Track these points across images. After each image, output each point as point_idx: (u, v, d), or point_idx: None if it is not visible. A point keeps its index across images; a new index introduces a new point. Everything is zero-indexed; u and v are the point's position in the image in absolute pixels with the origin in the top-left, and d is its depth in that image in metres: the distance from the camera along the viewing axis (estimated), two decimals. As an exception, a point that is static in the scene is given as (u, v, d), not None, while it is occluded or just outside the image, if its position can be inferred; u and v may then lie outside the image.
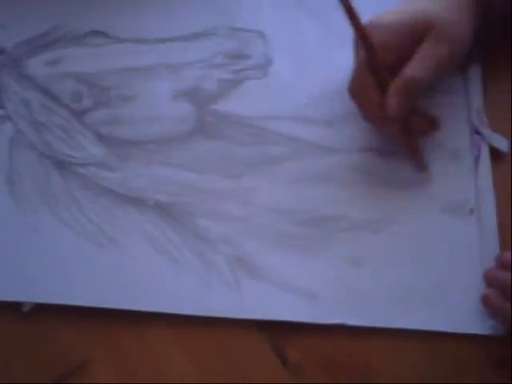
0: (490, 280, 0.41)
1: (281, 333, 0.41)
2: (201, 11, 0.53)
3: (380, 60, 0.43)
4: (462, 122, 0.47)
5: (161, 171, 0.47)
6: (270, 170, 0.46)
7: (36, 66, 0.52)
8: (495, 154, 0.46)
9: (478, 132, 0.46)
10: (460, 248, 0.43)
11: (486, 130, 0.46)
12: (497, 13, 0.47)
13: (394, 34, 0.44)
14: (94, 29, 0.53)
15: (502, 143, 0.46)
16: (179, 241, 0.44)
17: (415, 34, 0.44)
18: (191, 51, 0.51)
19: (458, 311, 0.41)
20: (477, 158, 0.46)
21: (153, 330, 0.41)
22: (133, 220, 0.45)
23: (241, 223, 0.44)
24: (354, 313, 0.41)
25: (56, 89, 0.50)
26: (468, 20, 0.45)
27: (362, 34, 0.43)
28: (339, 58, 0.49)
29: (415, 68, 0.43)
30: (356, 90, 0.45)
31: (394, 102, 0.43)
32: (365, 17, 0.43)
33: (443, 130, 0.46)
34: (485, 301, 0.40)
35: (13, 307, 0.42)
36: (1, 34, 0.53)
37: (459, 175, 0.45)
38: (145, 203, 0.45)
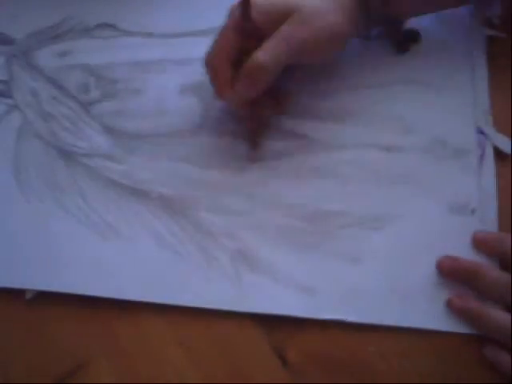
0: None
1: (281, 333, 0.41)
2: (210, 7, 0.54)
3: (253, 25, 0.43)
4: (467, 122, 0.47)
5: (165, 164, 0.47)
6: (273, 165, 0.46)
7: (45, 57, 0.52)
8: (499, 154, 0.46)
9: (482, 132, 0.46)
10: (461, 247, 0.43)
11: (491, 131, 0.46)
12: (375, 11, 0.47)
13: (262, 12, 0.44)
14: (104, 21, 0.53)
15: (505, 144, 0.46)
16: (181, 233, 0.44)
17: (278, 15, 0.44)
18: (199, 46, 0.51)
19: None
20: (480, 158, 0.45)
21: (153, 330, 0.41)
22: (136, 212, 0.45)
23: (243, 217, 0.44)
24: (353, 309, 0.41)
25: (64, 80, 0.51)
26: (342, 9, 0.45)
27: None
28: (345, 56, 0.49)
29: (265, 52, 0.43)
30: (213, 60, 0.45)
31: (240, 86, 0.43)
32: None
33: (448, 129, 0.46)
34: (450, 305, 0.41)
35: (15, 294, 0.42)
36: (12, 24, 0.54)
37: (462, 174, 0.45)
38: (149, 196, 0.46)
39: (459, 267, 0.41)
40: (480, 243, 0.42)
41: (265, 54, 0.42)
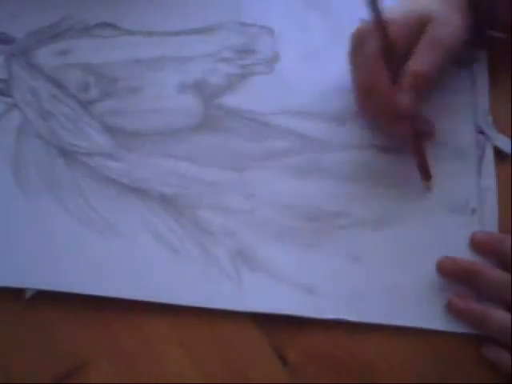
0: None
1: (281, 333, 0.41)
2: (210, 6, 0.54)
3: (395, 49, 0.43)
4: (467, 122, 0.47)
5: (165, 163, 0.47)
6: (273, 165, 0.46)
7: (45, 56, 0.52)
8: (499, 154, 0.46)
9: (482, 132, 0.46)
10: (461, 247, 0.43)
11: (491, 131, 0.46)
12: (483, 17, 0.47)
13: (400, 28, 0.44)
14: (104, 20, 0.53)
15: (505, 144, 0.46)
16: (181, 232, 0.44)
17: (417, 27, 0.44)
18: (199, 45, 0.51)
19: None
20: (480, 158, 0.45)
21: (153, 329, 0.41)
22: (136, 210, 0.45)
23: (242, 216, 0.44)
24: (353, 309, 0.41)
25: (64, 79, 0.51)
26: (461, 19, 0.45)
27: (380, 21, 0.42)
28: (346, 56, 0.49)
29: (420, 62, 0.43)
30: (365, 85, 0.45)
31: (407, 97, 0.42)
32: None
33: (448, 129, 0.46)
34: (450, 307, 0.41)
35: (15, 294, 0.42)
36: (12, 23, 0.53)
37: (462, 174, 0.45)
38: (148, 194, 0.46)
39: (459, 268, 0.41)
40: (479, 244, 0.42)
41: (422, 64, 0.42)
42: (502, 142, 0.46)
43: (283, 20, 0.52)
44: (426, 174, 0.45)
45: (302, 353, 0.40)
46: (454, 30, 0.44)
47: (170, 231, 0.44)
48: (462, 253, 0.42)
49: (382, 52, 0.43)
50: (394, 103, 0.43)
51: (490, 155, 0.46)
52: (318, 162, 0.46)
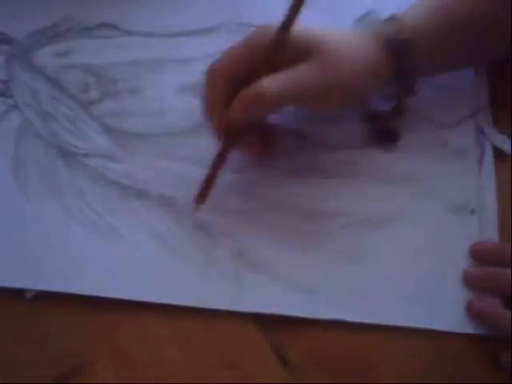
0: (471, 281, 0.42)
1: (281, 333, 0.41)
2: (209, 7, 0.54)
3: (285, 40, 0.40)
4: (467, 122, 0.47)
5: (166, 164, 0.47)
6: (273, 165, 0.46)
7: (45, 56, 0.52)
8: (499, 154, 0.46)
9: (482, 132, 0.46)
10: (461, 247, 0.43)
11: (490, 130, 0.46)
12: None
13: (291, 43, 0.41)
14: (104, 21, 0.53)
15: (505, 144, 0.46)
16: (181, 233, 0.44)
17: (300, 50, 0.41)
18: (199, 46, 0.51)
19: (459, 310, 0.41)
20: (480, 158, 0.45)
21: (153, 329, 0.41)
22: (136, 211, 0.45)
23: (242, 217, 0.44)
24: (353, 309, 0.41)
25: (64, 80, 0.51)
26: (367, 62, 0.42)
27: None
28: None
29: (272, 83, 0.40)
30: (213, 74, 0.42)
31: (233, 109, 0.40)
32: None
33: (448, 129, 0.46)
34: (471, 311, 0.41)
35: (16, 294, 0.42)
36: (12, 24, 0.54)
37: (462, 174, 0.45)
38: (148, 195, 0.46)
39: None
40: (479, 254, 0.42)
41: (271, 85, 0.40)
42: (502, 142, 0.46)
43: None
44: (202, 198, 0.44)
45: (302, 353, 0.40)
46: (346, 75, 0.41)
47: (170, 232, 0.44)
48: (462, 253, 0.42)
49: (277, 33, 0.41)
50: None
51: (489, 155, 0.46)
52: (317, 161, 0.46)
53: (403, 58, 0.43)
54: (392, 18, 0.44)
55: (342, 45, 0.42)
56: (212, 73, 0.43)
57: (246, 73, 0.41)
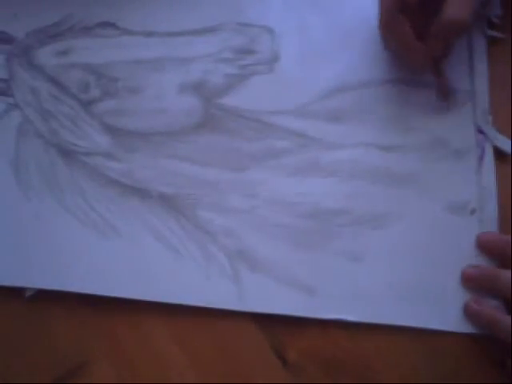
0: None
1: (281, 333, 0.41)
2: (210, 6, 0.53)
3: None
4: (467, 122, 0.47)
5: (166, 163, 0.47)
6: (274, 164, 0.46)
7: (46, 55, 0.52)
8: (499, 154, 0.46)
9: (482, 132, 0.46)
10: (461, 247, 0.43)
11: (491, 130, 0.46)
12: None
13: None
14: (104, 20, 0.53)
15: (505, 144, 0.46)
16: (181, 232, 0.44)
17: None
18: (199, 45, 0.51)
19: (458, 310, 0.41)
20: (480, 158, 0.45)
21: (153, 329, 0.42)
22: (136, 210, 0.45)
23: (243, 216, 0.44)
24: (353, 309, 0.41)
25: (65, 79, 0.51)
26: None
27: None
28: (346, 56, 0.49)
29: (452, 10, 0.41)
30: (389, 24, 0.44)
31: (436, 45, 0.43)
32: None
33: (448, 129, 0.46)
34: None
35: (15, 293, 0.42)
36: (12, 23, 0.53)
37: (462, 174, 0.45)
38: (149, 194, 0.46)
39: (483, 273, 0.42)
40: (485, 245, 0.42)
41: (458, 11, 0.41)
42: (502, 142, 0.46)
43: (283, 20, 0.52)
44: (446, 93, 0.47)
45: (302, 353, 0.40)
46: None
47: (170, 231, 0.44)
48: (462, 253, 0.42)
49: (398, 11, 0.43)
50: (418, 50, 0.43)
51: (489, 155, 0.46)
52: (317, 161, 0.46)
53: None
54: None
55: None
56: (388, 20, 0.44)
57: None
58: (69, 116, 0.49)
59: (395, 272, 0.42)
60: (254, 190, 0.45)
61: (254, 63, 0.51)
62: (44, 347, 0.41)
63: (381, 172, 0.45)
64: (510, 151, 0.46)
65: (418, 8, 0.43)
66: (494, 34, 0.50)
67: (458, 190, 0.44)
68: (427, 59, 0.45)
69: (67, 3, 0.54)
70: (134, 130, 0.49)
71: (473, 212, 0.44)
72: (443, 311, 0.41)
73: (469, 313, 0.40)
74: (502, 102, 0.47)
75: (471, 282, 0.41)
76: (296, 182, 0.45)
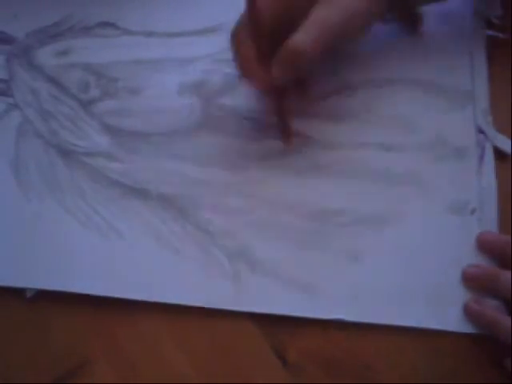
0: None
1: (281, 333, 0.41)
2: (210, 6, 0.54)
3: (262, 23, 0.41)
4: (467, 122, 0.47)
5: (166, 163, 0.47)
6: (273, 164, 0.46)
7: (46, 55, 0.52)
8: (499, 154, 0.46)
9: (482, 132, 0.46)
10: (461, 247, 0.43)
11: (491, 130, 0.46)
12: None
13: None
14: (104, 20, 0.53)
15: (505, 144, 0.46)
16: (181, 233, 0.44)
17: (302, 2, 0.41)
18: (200, 46, 0.51)
19: (459, 310, 0.41)
20: (480, 158, 0.45)
21: (153, 329, 0.41)
22: (136, 211, 0.45)
23: (242, 216, 0.44)
24: (353, 309, 0.41)
25: (65, 79, 0.51)
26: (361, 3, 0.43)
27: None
28: (345, 55, 0.49)
29: (300, 38, 0.41)
30: (239, 33, 0.43)
31: (277, 73, 0.41)
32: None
33: (448, 129, 0.46)
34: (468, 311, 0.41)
35: (15, 293, 0.42)
36: (12, 23, 0.54)
37: (462, 174, 0.45)
38: (149, 195, 0.46)
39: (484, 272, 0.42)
40: (485, 245, 0.42)
41: (300, 40, 0.41)
42: (502, 142, 0.46)
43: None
44: (286, 134, 0.45)
45: (302, 353, 0.40)
46: (350, 3, 0.42)
47: (170, 231, 0.44)
48: (462, 253, 0.42)
49: (248, 26, 0.42)
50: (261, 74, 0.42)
51: (489, 155, 0.45)
52: (317, 161, 0.46)
53: None
54: None
55: None
56: (238, 32, 0.43)
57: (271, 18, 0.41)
58: (69, 116, 0.49)
59: (395, 272, 0.42)
60: (253, 190, 0.45)
61: (253, 63, 0.51)
62: (44, 347, 0.41)
63: (381, 172, 0.45)
64: (510, 151, 0.46)
65: (276, 29, 0.42)
66: (494, 34, 0.50)
67: (458, 189, 0.44)
68: (266, 87, 0.44)
69: (67, 3, 0.54)
70: (134, 130, 0.49)
71: (473, 212, 0.44)
72: (443, 311, 0.41)
73: (469, 313, 0.40)
74: (502, 103, 0.47)
75: (472, 281, 0.41)
76: (296, 182, 0.45)
